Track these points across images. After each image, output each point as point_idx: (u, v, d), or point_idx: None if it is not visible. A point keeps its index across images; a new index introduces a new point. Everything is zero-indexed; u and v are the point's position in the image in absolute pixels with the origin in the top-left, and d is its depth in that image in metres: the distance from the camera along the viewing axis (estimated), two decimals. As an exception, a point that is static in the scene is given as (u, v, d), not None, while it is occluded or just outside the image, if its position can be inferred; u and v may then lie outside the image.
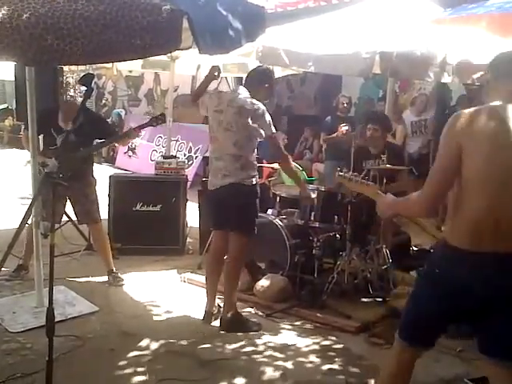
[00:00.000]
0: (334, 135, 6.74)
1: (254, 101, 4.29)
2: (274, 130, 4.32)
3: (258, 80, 4.47)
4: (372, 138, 5.65)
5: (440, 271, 2.46)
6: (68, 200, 5.36)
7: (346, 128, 6.46)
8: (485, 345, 2.48)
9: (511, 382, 2.47)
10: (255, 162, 4.43)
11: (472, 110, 2.40)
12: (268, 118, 4.29)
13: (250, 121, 4.23)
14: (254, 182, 4.37)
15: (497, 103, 2.41)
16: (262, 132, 4.25)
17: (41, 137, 5.04)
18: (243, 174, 4.31)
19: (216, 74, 4.57)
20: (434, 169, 2.44)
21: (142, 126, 5.42)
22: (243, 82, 4.64)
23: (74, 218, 5.69)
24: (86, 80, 3.51)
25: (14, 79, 4.82)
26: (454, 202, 2.41)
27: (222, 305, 4.61)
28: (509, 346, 2.41)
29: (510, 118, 2.35)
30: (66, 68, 9.75)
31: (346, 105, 7.90)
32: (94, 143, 5.43)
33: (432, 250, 2.60)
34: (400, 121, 8.62)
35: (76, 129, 4.82)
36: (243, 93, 4.37)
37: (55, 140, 5.15)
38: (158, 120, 5.41)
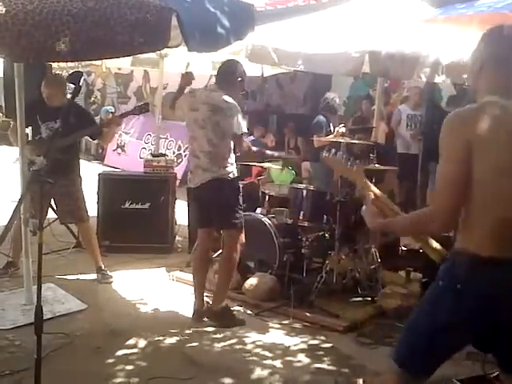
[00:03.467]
0: (332, 137, 6.62)
1: (228, 98, 4.31)
2: (243, 130, 4.34)
3: (229, 75, 4.47)
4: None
5: (462, 286, 2.17)
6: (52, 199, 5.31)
7: (344, 130, 6.42)
8: (506, 362, 2.32)
9: None
10: (232, 158, 4.42)
11: (473, 106, 2.21)
12: (239, 117, 4.30)
13: (222, 119, 4.26)
14: (233, 176, 4.40)
15: (495, 98, 2.22)
16: (233, 130, 4.27)
17: (29, 130, 5.02)
18: (221, 169, 4.33)
19: (190, 79, 4.62)
20: (444, 175, 2.18)
21: (124, 114, 5.42)
22: (215, 79, 4.63)
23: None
24: (75, 78, 3.49)
25: (2, 76, 4.79)
26: (471, 206, 2.16)
27: (210, 301, 4.62)
28: None
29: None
30: (54, 65, 9.70)
31: (334, 103, 7.86)
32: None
33: (446, 264, 2.29)
34: (386, 118, 8.63)
35: (62, 118, 4.80)
36: (217, 90, 4.39)
37: (39, 129, 5.11)
38: (141, 109, 5.39)
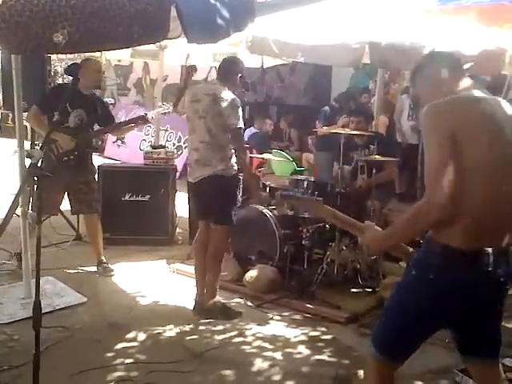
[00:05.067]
0: (339, 126, 6.54)
1: (229, 92, 4.33)
2: (240, 125, 4.32)
3: (230, 71, 4.49)
4: (357, 130, 5.66)
5: (435, 276, 2.24)
6: (66, 190, 5.30)
7: (346, 120, 6.40)
8: (469, 345, 2.43)
9: (496, 380, 2.47)
10: (231, 151, 4.40)
11: (451, 98, 2.31)
12: (239, 111, 4.31)
13: (223, 109, 4.25)
14: (233, 173, 4.39)
15: (466, 93, 2.36)
16: (231, 122, 4.26)
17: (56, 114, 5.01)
18: (221, 164, 4.32)
19: (191, 71, 4.60)
20: (434, 163, 2.18)
21: (123, 123, 5.46)
22: (216, 75, 4.62)
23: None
24: (73, 69, 3.47)
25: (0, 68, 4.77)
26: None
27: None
28: (492, 343, 2.42)
29: (495, 105, 2.33)
30: (54, 57, 9.66)
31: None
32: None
33: (418, 253, 2.36)
34: (386, 110, 8.60)
35: (91, 109, 4.86)
36: (219, 84, 4.42)
37: (68, 116, 5.08)
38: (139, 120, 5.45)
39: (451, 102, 2.31)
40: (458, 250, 2.19)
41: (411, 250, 2.47)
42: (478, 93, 2.37)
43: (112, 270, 5.37)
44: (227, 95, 4.29)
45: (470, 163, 2.17)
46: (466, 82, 2.45)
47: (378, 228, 2.48)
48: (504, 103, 2.41)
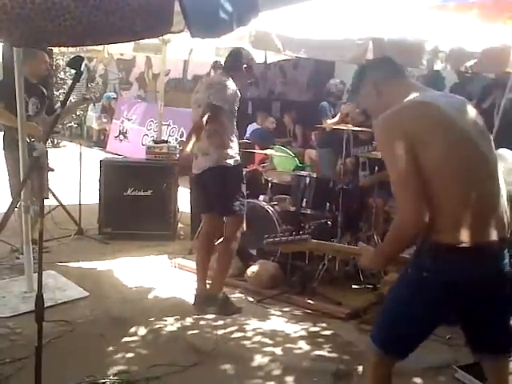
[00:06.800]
0: (338, 117, 6.49)
1: (224, 78, 4.35)
2: (219, 104, 4.24)
3: (236, 62, 4.49)
4: (363, 126, 5.65)
5: (429, 274, 2.25)
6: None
7: (349, 109, 6.36)
8: (478, 341, 2.42)
9: (504, 375, 2.45)
10: (231, 141, 4.39)
11: (404, 104, 2.31)
12: (224, 92, 4.27)
13: (213, 93, 4.26)
14: (234, 163, 4.38)
15: (418, 95, 2.35)
16: (209, 100, 4.23)
17: None
18: (220, 152, 4.31)
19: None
20: (398, 180, 2.21)
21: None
22: (222, 68, 4.62)
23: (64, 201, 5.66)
24: (76, 62, 3.45)
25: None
26: (430, 196, 2.19)
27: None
28: (502, 339, 2.40)
29: (452, 105, 2.32)
30: (55, 50, 9.64)
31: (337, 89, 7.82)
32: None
33: (415, 252, 2.38)
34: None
35: (41, 95, 5.06)
36: (223, 75, 4.44)
37: (26, 105, 5.05)
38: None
39: (400, 111, 2.30)
40: (448, 245, 2.20)
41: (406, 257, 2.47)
42: (425, 95, 2.37)
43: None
44: (218, 79, 4.33)
45: (434, 168, 2.18)
46: (410, 86, 2.46)
47: (371, 248, 2.55)
48: (456, 99, 2.43)
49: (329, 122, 7.31)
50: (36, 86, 5.34)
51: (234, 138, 4.42)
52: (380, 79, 2.48)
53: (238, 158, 4.44)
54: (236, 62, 4.49)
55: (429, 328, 2.45)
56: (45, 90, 5.48)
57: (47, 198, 5.68)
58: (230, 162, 4.35)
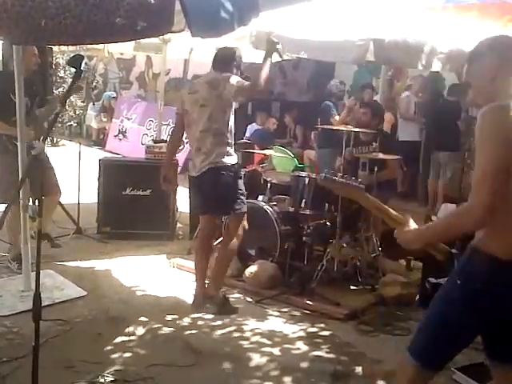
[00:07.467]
0: (345, 113, 6.46)
1: (227, 74, 4.33)
2: (243, 83, 4.25)
3: (226, 60, 4.48)
4: (361, 121, 5.64)
5: (482, 287, 2.18)
6: None
7: (353, 102, 6.36)
8: (499, 351, 2.37)
9: None
10: (230, 140, 4.40)
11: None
12: (236, 77, 4.29)
13: (222, 89, 4.24)
14: (232, 162, 4.37)
15: None
16: (229, 91, 4.23)
17: None
18: (219, 149, 4.31)
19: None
20: (485, 170, 2.10)
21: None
22: (212, 65, 4.59)
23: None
24: (76, 61, 3.44)
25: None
26: (503, 207, 2.10)
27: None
28: None
29: None
30: (55, 48, 9.63)
31: (337, 89, 7.85)
32: None
33: (463, 262, 2.30)
34: (391, 108, 8.59)
35: (29, 93, 4.86)
36: (215, 72, 4.43)
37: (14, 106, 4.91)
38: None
39: (509, 108, 2.15)
40: (505, 262, 2.15)
41: (449, 249, 2.41)
42: None
43: None
44: (221, 75, 4.30)
45: None
46: None
47: (414, 225, 2.43)
48: None
49: (337, 118, 7.33)
50: (25, 81, 5.07)
51: (232, 136, 4.43)
52: (503, 65, 2.27)
53: (236, 157, 4.44)
54: (226, 59, 4.47)
55: (471, 339, 2.38)
56: (34, 87, 5.27)
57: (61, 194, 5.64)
58: (229, 161, 4.35)
